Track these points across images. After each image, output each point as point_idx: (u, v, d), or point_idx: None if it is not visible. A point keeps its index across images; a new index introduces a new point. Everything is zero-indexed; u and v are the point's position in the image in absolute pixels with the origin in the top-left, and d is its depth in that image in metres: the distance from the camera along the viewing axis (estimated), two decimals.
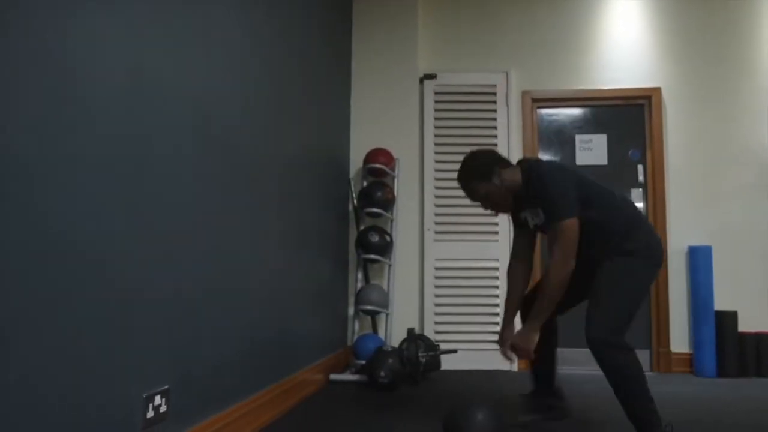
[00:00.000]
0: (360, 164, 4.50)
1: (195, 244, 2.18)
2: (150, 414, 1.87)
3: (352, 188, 4.49)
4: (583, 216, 2.47)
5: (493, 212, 2.80)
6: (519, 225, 2.80)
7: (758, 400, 3.54)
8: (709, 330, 4.27)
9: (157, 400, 1.91)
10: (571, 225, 2.42)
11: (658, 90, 4.62)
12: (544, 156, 4.74)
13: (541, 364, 2.85)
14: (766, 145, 4.52)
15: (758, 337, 4.28)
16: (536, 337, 2.53)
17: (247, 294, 2.66)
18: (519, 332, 2.60)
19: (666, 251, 4.47)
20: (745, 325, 4.32)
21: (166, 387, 1.97)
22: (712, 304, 4.29)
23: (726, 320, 4.27)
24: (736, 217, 4.49)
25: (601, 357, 2.36)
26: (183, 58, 2.10)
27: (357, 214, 4.42)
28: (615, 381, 2.37)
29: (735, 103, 4.58)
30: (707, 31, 4.65)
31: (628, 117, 4.70)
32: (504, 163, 2.66)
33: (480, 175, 2.61)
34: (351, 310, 4.41)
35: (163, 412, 1.94)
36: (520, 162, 2.69)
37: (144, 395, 1.85)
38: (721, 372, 4.25)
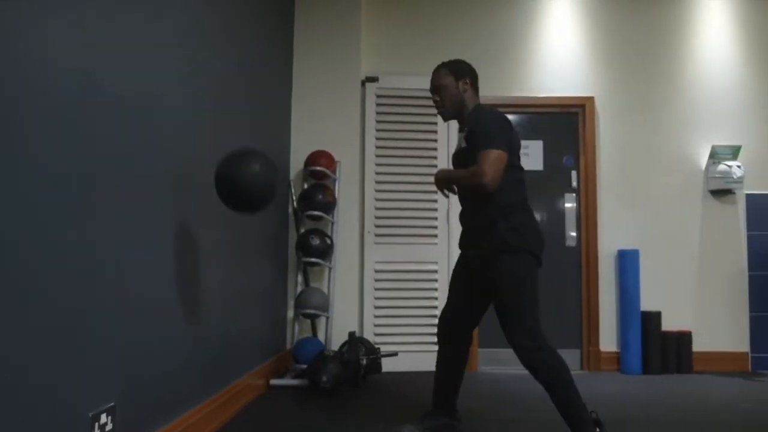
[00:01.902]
0: (301, 166, 4.46)
1: (136, 254, 2.11)
2: None
3: (293, 190, 4.44)
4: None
5: (437, 112, 2.90)
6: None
7: (680, 396, 3.75)
8: (635, 330, 4.48)
9: (103, 418, 1.85)
10: (502, 156, 2.53)
11: (591, 99, 4.79)
12: None
13: (444, 385, 2.87)
14: (691, 154, 4.77)
15: (679, 336, 4.52)
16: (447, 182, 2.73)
17: (189, 302, 2.59)
18: (440, 171, 2.82)
19: (596, 257, 4.66)
20: (668, 325, 4.56)
21: (112, 404, 1.90)
22: (638, 305, 4.50)
23: (651, 320, 4.49)
24: (663, 222, 4.72)
25: (528, 362, 2.50)
26: (125, 60, 2.03)
27: (297, 216, 4.38)
28: (546, 381, 2.49)
29: (663, 112, 4.81)
30: (638, 44, 4.85)
31: (563, 124, 4.85)
32: (476, 86, 2.85)
33: (453, 70, 2.81)
34: (291, 313, 4.37)
35: (109, 430, 1.88)
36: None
37: (90, 414, 1.78)
38: (646, 369, 4.46)
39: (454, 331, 2.83)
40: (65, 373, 1.67)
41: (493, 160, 2.50)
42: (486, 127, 2.61)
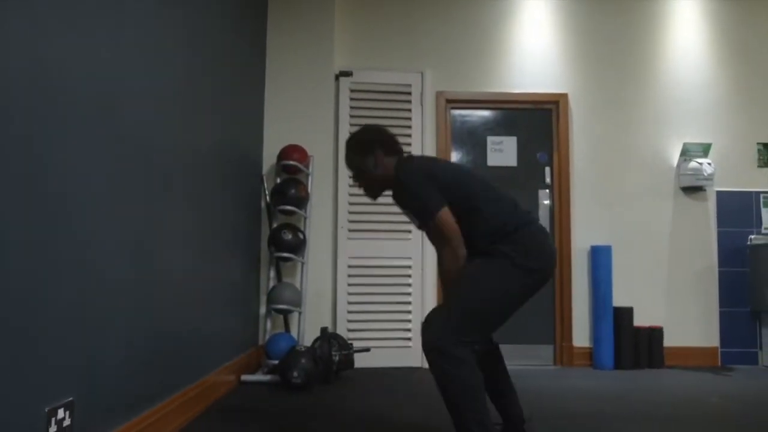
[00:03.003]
0: (273, 160, 4.41)
1: (100, 245, 2.06)
2: (53, 429, 1.75)
3: (265, 185, 4.39)
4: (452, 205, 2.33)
5: (365, 193, 2.63)
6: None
7: (651, 391, 3.78)
8: (607, 325, 4.51)
9: (61, 413, 1.79)
10: (443, 216, 2.28)
11: (565, 96, 4.81)
12: (457, 155, 4.83)
13: (497, 397, 2.54)
14: (662, 151, 4.81)
15: (651, 331, 4.56)
16: None
17: (155, 295, 2.54)
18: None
19: (570, 253, 4.67)
20: (640, 320, 4.59)
21: (71, 399, 1.85)
22: (611, 301, 4.53)
23: (623, 315, 4.53)
24: (635, 218, 4.75)
25: (429, 361, 2.23)
26: (90, 49, 1.97)
27: (270, 211, 4.33)
28: (440, 389, 2.23)
29: (636, 110, 4.84)
30: (612, 42, 4.89)
31: (537, 121, 4.86)
32: (390, 148, 2.51)
33: (358, 149, 2.51)
34: (263, 309, 4.32)
35: (67, 426, 1.83)
36: (400, 158, 2.53)
37: (46, 409, 1.73)
38: (618, 364, 4.49)
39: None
40: (17, 367, 1.62)
41: (446, 234, 2.29)
42: (411, 193, 2.36)
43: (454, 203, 2.33)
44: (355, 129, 4.48)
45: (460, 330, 2.22)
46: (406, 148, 4.59)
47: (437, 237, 2.36)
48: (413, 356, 4.47)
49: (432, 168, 2.43)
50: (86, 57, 1.95)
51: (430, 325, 2.27)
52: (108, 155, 2.10)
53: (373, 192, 2.58)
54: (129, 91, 2.27)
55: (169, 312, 2.71)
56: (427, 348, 2.23)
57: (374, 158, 2.47)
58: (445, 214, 2.29)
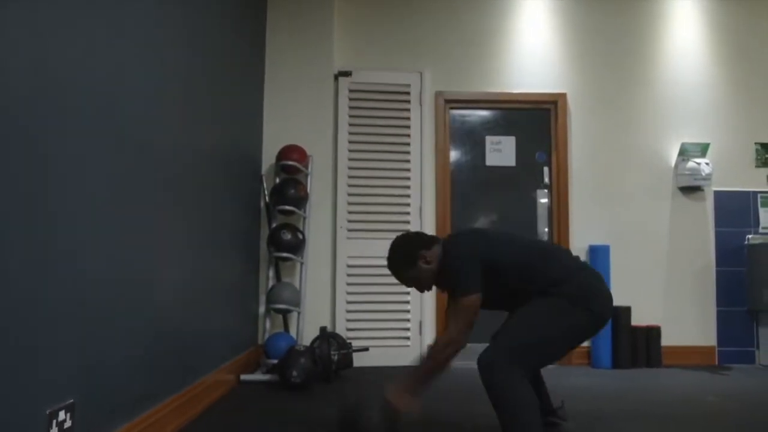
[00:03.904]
0: (273, 160, 4.42)
1: (100, 246, 2.07)
2: (54, 431, 1.76)
3: (264, 185, 4.40)
4: (499, 282, 2.44)
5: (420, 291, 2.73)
6: None
7: (648, 390, 3.80)
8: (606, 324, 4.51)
9: (62, 415, 1.81)
10: (468, 301, 2.38)
11: (564, 95, 4.82)
12: (455, 155, 4.85)
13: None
14: (661, 151, 4.83)
15: (648, 331, 4.58)
16: (408, 399, 2.41)
17: (155, 296, 2.56)
18: (391, 387, 2.45)
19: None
20: (637, 319, 4.61)
21: (71, 401, 1.86)
22: None
23: (621, 315, 4.53)
24: (633, 218, 4.77)
25: (484, 381, 2.30)
26: (88, 48, 1.98)
27: (269, 211, 4.34)
28: (495, 402, 2.30)
29: (634, 110, 4.85)
30: (611, 41, 4.90)
31: (536, 120, 4.88)
32: (428, 243, 2.60)
33: (406, 264, 2.59)
34: (262, 308, 4.33)
35: (68, 428, 1.84)
36: (443, 240, 2.64)
37: (47, 411, 1.74)
38: (616, 363, 4.51)
39: None
40: (18, 369, 1.63)
41: (460, 317, 2.39)
42: (455, 272, 2.46)
43: (505, 267, 2.45)
44: (354, 129, 4.60)
45: (513, 357, 2.30)
46: (405, 148, 4.66)
47: (455, 314, 2.41)
48: (411, 355, 4.49)
49: (478, 245, 2.51)
50: (85, 56, 1.96)
51: (486, 351, 2.35)
52: (108, 155, 2.11)
53: (428, 286, 2.65)
54: (129, 92, 2.28)
55: (169, 312, 2.72)
56: (482, 366, 2.30)
57: (423, 259, 2.55)
58: (472, 301, 2.38)
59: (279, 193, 4.23)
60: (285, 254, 4.17)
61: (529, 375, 2.38)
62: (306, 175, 4.43)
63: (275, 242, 4.16)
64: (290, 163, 4.26)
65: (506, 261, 2.47)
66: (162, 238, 2.62)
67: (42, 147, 1.72)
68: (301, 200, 4.29)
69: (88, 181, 1.97)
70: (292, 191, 4.22)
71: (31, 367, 1.69)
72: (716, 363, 4.67)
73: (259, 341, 4.30)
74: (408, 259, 2.57)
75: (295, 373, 3.64)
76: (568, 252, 2.66)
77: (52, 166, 1.77)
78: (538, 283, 2.44)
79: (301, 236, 4.25)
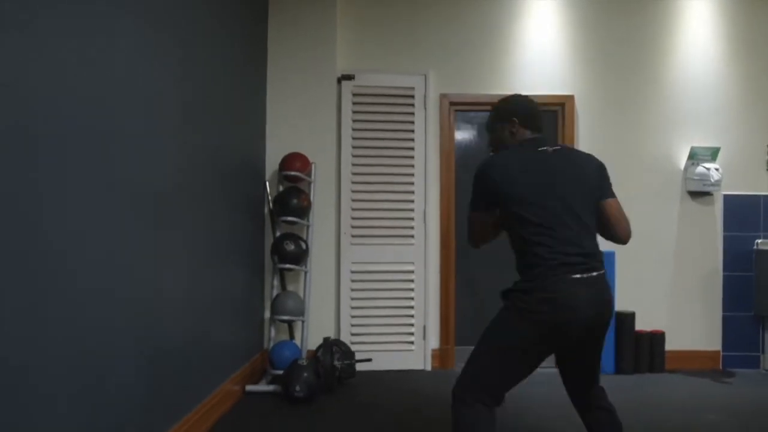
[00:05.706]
0: (276, 166, 4.41)
1: (104, 264, 2.08)
2: None
3: (268, 191, 4.40)
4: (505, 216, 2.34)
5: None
6: None
7: (652, 396, 3.88)
8: (609, 330, 4.52)
9: None
10: (471, 216, 2.43)
11: (571, 97, 4.72)
12: (460, 157, 4.80)
13: None
14: (669, 154, 4.74)
15: (652, 336, 4.58)
16: None
17: (162, 319, 2.62)
18: None
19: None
20: (642, 324, 4.60)
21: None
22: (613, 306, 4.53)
23: (625, 321, 4.54)
24: (640, 222, 4.65)
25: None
26: (88, 54, 1.99)
27: (273, 218, 4.35)
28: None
29: (643, 112, 4.75)
30: (619, 43, 4.76)
31: (543, 122, 4.76)
32: (527, 121, 2.47)
33: (497, 116, 2.53)
34: (267, 314, 4.39)
35: None
36: (530, 139, 2.46)
37: None
38: (619, 369, 4.53)
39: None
40: (17, 388, 1.68)
41: (468, 222, 2.46)
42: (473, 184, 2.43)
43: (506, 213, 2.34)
44: (357, 134, 4.56)
45: (465, 390, 2.26)
46: (409, 153, 4.62)
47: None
48: (416, 359, 4.55)
49: (493, 173, 2.33)
50: (84, 63, 1.97)
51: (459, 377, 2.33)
52: (110, 167, 2.13)
53: (497, 150, 2.55)
54: (130, 100, 2.29)
55: (175, 326, 2.78)
56: (452, 396, 2.28)
57: (509, 125, 2.46)
58: (474, 216, 2.43)
59: (282, 203, 4.23)
60: (288, 265, 4.19)
61: (497, 400, 2.27)
62: (309, 183, 4.41)
63: (279, 253, 4.18)
64: (292, 173, 4.25)
65: (516, 210, 2.29)
66: (161, 249, 2.63)
67: (43, 158, 1.75)
68: (304, 210, 4.28)
69: (88, 193, 2.00)
70: (295, 201, 4.21)
71: (33, 396, 1.72)
72: (720, 367, 4.68)
73: (265, 346, 4.36)
74: (500, 114, 2.52)
75: (298, 388, 3.70)
76: (579, 235, 2.42)
77: (51, 180, 1.80)
78: (519, 262, 2.32)
79: (304, 246, 4.26)
